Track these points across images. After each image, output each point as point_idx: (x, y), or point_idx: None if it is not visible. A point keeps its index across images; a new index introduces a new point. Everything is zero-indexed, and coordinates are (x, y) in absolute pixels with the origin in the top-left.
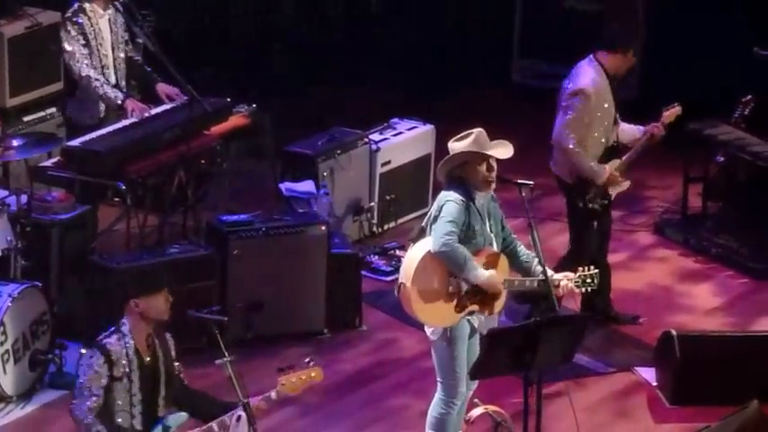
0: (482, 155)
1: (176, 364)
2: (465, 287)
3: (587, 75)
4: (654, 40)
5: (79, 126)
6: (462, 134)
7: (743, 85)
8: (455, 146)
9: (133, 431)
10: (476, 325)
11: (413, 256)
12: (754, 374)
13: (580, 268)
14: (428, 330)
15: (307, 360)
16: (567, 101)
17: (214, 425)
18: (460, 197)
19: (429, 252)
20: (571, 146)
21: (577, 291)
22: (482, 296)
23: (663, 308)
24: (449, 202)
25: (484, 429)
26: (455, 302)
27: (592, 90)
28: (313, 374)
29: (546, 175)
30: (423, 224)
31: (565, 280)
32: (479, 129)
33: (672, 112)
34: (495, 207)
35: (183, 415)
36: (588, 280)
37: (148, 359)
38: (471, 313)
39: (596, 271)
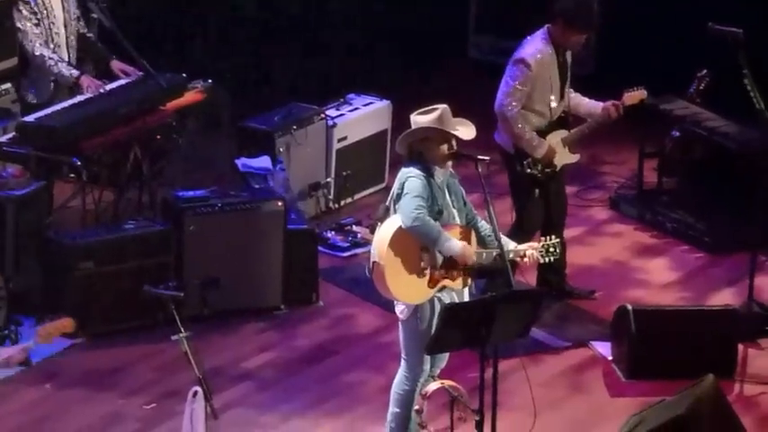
0: (445, 133)
1: None
2: (438, 261)
3: (533, 44)
4: (609, 14)
5: (31, 104)
6: (427, 108)
7: (698, 60)
8: (418, 119)
9: None
10: (446, 302)
11: (383, 234)
12: (709, 349)
13: (543, 238)
14: (398, 309)
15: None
16: (509, 69)
17: None
18: (421, 173)
19: (400, 228)
20: (513, 113)
21: (542, 260)
22: (453, 270)
23: (618, 283)
24: (411, 178)
25: (440, 404)
26: (428, 277)
27: (533, 60)
28: (65, 324)
29: (501, 157)
30: (386, 203)
31: (530, 250)
32: (444, 105)
33: (634, 96)
34: (455, 183)
35: None
36: (551, 249)
37: None
38: (443, 288)
39: (557, 240)
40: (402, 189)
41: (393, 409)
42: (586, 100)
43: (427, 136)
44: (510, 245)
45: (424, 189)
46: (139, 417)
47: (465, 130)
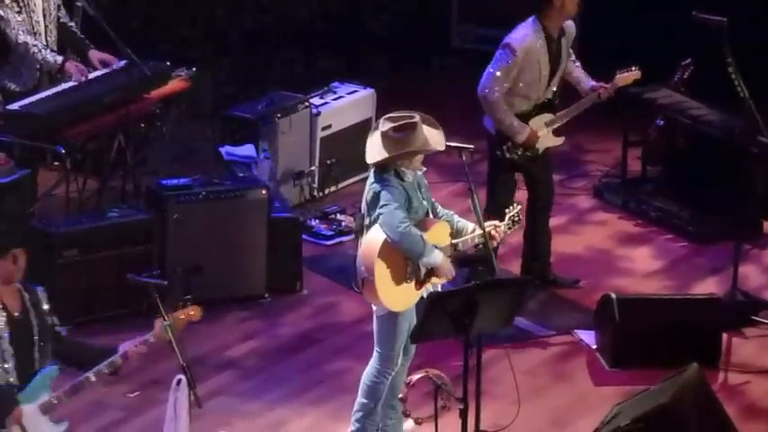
0: (419, 151)
1: (51, 317)
2: (423, 269)
3: (521, 31)
4: (593, 2)
5: (13, 93)
6: (400, 123)
7: (682, 49)
8: (394, 136)
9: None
10: (424, 296)
11: (369, 248)
12: (692, 337)
13: (506, 209)
14: (374, 305)
15: (187, 298)
16: (497, 53)
17: (91, 375)
18: (394, 179)
19: (385, 243)
20: (495, 96)
21: (509, 231)
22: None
23: (602, 271)
24: (386, 187)
25: (424, 392)
26: (414, 282)
27: (520, 46)
28: (192, 312)
29: (485, 138)
30: (361, 211)
31: (501, 227)
32: (417, 118)
33: (628, 76)
34: (422, 177)
35: (53, 368)
36: (516, 219)
37: (18, 314)
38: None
39: (519, 207)
40: (378, 198)
41: (360, 399)
42: (579, 70)
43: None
44: (469, 227)
45: (400, 196)
46: (123, 405)
47: (436, 139)
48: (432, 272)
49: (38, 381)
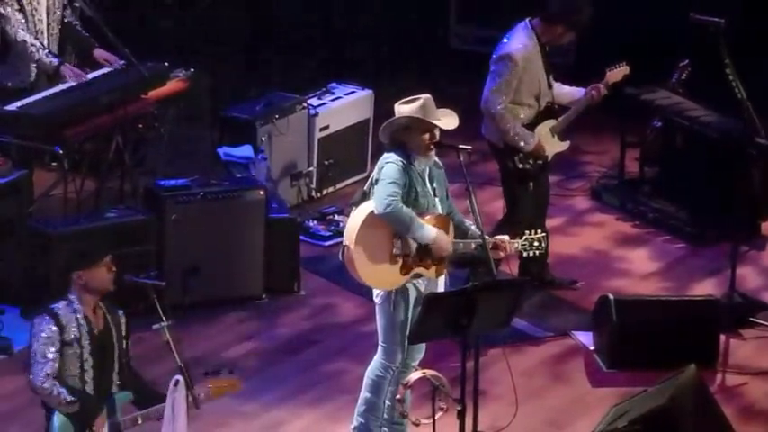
0: (427, 123)
1: (128, 342)
2: (412, 249)
3: (517, 39)
4: (590, 3)
5: (10, 91)
6: (410, 98)
7: (680, 50)
8: (402, 109)
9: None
10: (422, 290)
11: (356, 218)
12: (690, 339)
13: (527, 231)
14: (374, 293)
15: (229, 370)
16: (494, 65)
17: (151, 411)
18: (400, 159)
19: (372, 214)
20: (498, 109)
21: (525, 254)
22: (428, 258)
23: (600, 272)
24: (389, 164)
25: (422, 394)
26: (400, 264)
27: (519, 55)
28: (235, 384)
29: (483, 140)
30: (365, 188)
31: (514, 243)
32: (427, 95)
33: (617, 72)
34: (441, 174)
35: (128, 394)
36: (536, 243)
37: (100, 330)
38: (417, 276)
39: (543, 234)
40: (380, 174)
41: (364, 393)
42: (567, 88)
43: (409, 125)
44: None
45: (402, 176)
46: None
47: (448, 120)
48: (426, 253)
49: (112, 403)
